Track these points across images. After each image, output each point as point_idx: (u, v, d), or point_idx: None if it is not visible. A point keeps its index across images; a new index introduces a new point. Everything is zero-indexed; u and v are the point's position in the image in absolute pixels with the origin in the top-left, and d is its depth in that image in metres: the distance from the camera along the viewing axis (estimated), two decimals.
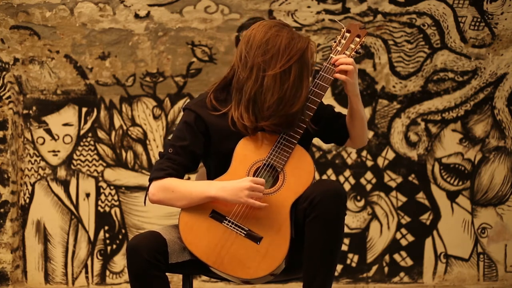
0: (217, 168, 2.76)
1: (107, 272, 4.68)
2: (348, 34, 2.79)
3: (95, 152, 4.68)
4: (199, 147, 2.74)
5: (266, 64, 2.66)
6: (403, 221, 4.67)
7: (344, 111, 2.91)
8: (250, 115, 2.69)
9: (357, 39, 2.78)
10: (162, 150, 2.78)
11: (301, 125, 2.70)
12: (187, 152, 2.73)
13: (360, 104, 2.79)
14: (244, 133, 2.71)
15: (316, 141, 3.11)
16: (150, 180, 2.72)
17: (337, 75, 2.71)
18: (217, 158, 2.76)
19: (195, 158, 2.75)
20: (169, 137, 2.79)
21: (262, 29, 2.69)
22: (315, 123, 2.79)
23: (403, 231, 4.67)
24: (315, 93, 2.72)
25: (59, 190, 4.68)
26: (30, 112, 4.67)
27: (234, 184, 2.62)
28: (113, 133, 4.68)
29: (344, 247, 4.63)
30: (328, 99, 4.57)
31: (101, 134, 4.68)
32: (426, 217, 4.67)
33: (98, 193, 4.69)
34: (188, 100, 4.61)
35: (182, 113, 2.81)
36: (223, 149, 2.73)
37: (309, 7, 4.44)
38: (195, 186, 2.68)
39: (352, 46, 2.78)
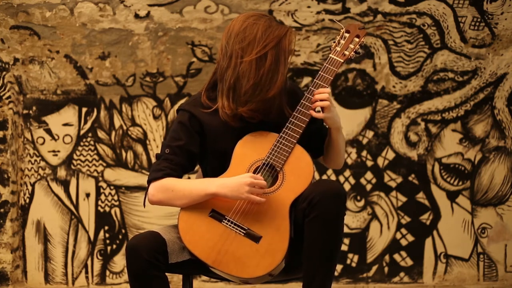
0: (214, 169, 2.76)
1: (107, 272, 4.68)
2: (347, 35, 2.80)
3: (95, 152, 4.68)
4: (195, 146, 2.75)
5: (243, 51, 2.69)
6: (403, 221, 4.67)
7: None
8: (230, 102, 2.72)
9: (356, 39, 2.79)
10: (159, 152, 2.79)
11: (300, 124, 2.70)
12: (183, 151, 2.73)
13: (340, 137, 2.80)
14: (229, 122, 2.72)
15: None
16: (149, 182, 2.72)
17: (314, 114, 2.70)
18: (213, 158, 2.77)
19: (192, 157, 2.76)
20: (165, 139, 2.80)
21: (240, 19, 2.75)
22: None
23: (403, 231, 4.68)
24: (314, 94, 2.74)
25: (59, 190, 4.68)
26: (30, 112, 4.67)
27: (235, 180, 2.63)
28: (113, 133, 4.69)
29: (344, 247, 4.63)
30: None
31: (101, 134, 4.68)
32: (426, 217, 4.67)
33: (98, 193, 4.69)
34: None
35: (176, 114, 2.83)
36: (218, 147, 2.74)
37: (309, 7, 4.45)
38: (195, 184, 2.69)
39: (351, 46, 2.78)
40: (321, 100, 2.70)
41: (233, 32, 2.72)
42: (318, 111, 2.72)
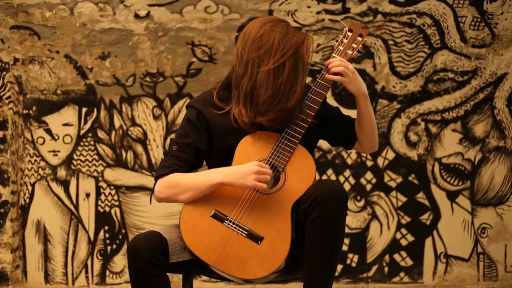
0: (221, 166, 2.74)
1: (107, 272, 4.68)
2: (350, 34, 2.79)
3: (95, 152, 4.68)
4: (203, 143, 2.74)
5: (260, 60, 2.66)
6: (403, 221, 4.67)
7: (343, 111, 2.91)
8: (248, 111, 2.69)
9: (359, 39, 2.78)
10: (167, 149, 2.78)
11: (302, 124, 2.70)
12: (191, 148, 2.73)
13: (369, 105, 2.76)
14: (245, 129, 2.71)
15: None
16: (156, 179, 2.72)
17: (330, 76, 2.70)
18: (219, 156, 2.76)
19: (200, 154, 2.75)
20: (173, 136, 2.79)
21: (257, 25, 2.70)
22: (320, 124, 2.78)
23: (403, 231, 4.68)
24: (317, 93, 2.73)
25: (59, 190, 4.68)
26: (30, 112, 4.66)
27: (241, 169, 2.62)
28: (113, 133, 4.68)
29: (344, 247, 4.62)
30: (328, 99, 4.56)
31: (101, 134, 4.68)
32: (426, 217, 4.67)
33: (98, 193, 4.69)
34: (188, 100, 4.61)
35: (185, 111, 2.82)
36: (225, 146, 2.73)
37: (309, 7, 4.45)
38: (200, 176, 2.67)
39: (354, 45, 2.78)
40: (335, 66, 2.69)
41: (249, 38, 2.68)
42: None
